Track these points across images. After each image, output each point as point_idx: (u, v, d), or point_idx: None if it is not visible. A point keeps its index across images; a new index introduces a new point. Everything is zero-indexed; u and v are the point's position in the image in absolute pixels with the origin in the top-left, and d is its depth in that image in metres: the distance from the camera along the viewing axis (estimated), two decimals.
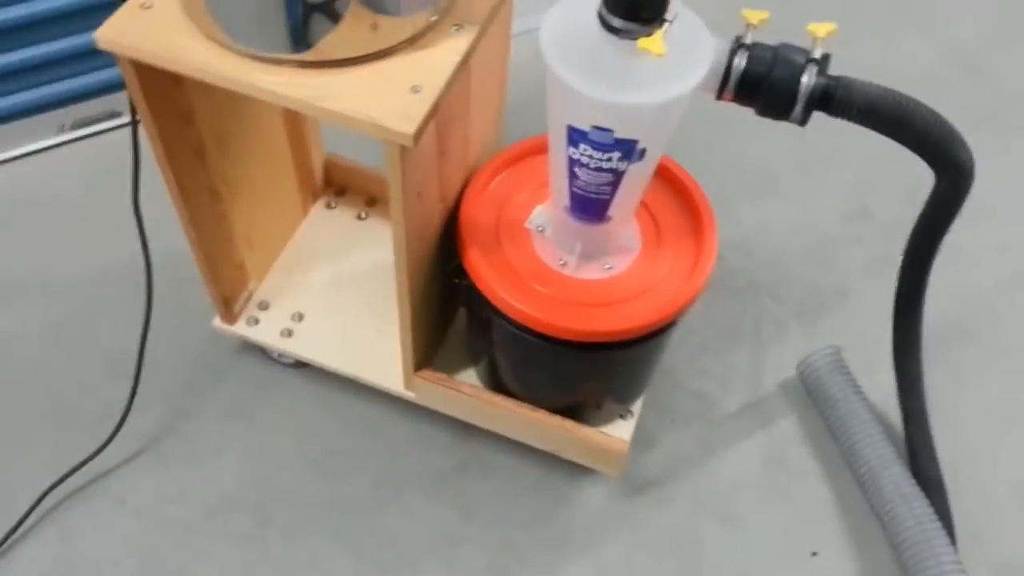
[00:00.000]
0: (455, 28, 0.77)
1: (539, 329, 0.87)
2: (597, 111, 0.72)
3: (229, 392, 1.16)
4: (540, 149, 0.98)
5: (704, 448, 1.13)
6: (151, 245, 0.95)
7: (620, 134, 0.73)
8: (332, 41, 0.72)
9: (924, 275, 0.97)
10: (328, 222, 1.24)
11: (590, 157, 0.76)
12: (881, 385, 1.18)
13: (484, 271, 0.88)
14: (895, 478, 1.04)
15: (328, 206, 1.25)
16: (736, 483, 1.11)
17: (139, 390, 1.05)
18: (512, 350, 0.95)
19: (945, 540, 0.97)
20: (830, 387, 1.13)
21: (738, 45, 0.74)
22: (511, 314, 0.87)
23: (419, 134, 0.70)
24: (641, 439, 1.11)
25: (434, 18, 0.77)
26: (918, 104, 0.75)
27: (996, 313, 1.29)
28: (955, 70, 1.62)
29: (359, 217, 1.24)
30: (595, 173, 0.78)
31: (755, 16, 0.75)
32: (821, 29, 0.74)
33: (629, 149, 0.75)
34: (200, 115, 0.89)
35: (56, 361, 1.18)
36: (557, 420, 0.98)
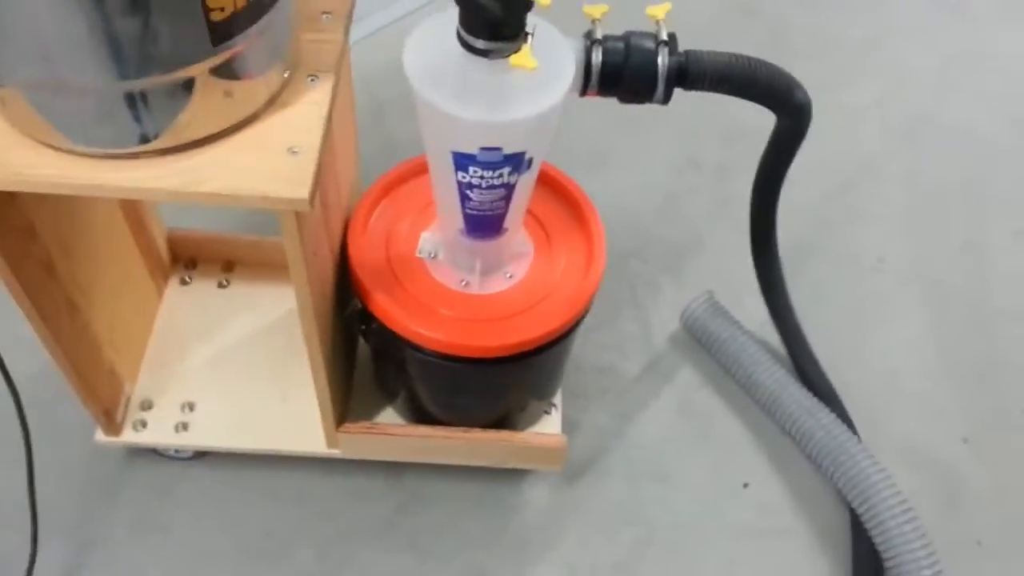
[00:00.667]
0: (310, 79, 0.75)
1: (459, 353, 0.86)
2: (483, 133, 0.72)
3: (131, 505, 1.07)
4: (405, 177, 0.97)
5: (622, 418, 1.18)
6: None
7: (508, 150, 0.74)
8: (188, 119, 0.67)
9: (774, 207, 1.06)
10: (187, 299, 1.16)
11: (481, 177, 0.76)
12: (754, 314, 1.27)
13: (391, 310, 0.86)
14: (794, 396, 1.13)
15: (183, 282, 1.17)
16: (659, 441, 1.17)
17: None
18: (434, 380, 0.95)
19: (853, 439, 1.08)
20: (714, 329, 1.21)
21: (591, 42, 0.76)
22: (428, 345, 0.86)
23: (313, 196, 0.68)
24: (564, 426, 1.13)
25: (287, 74, 0.74)
26: (759, 62, 0.81)
27: (830, 222, 1.42)
28: (732, 12, 1.76)
29: (220, 285, 1.17)
30: (488, 191, 0.78)
31: (596, 11, 0.78)
32: (660, 11, 0.79)
33: (518, 161, 0.76)
34: (41, 226, 0.80)
35: None
36: (493, 435, 0.99)
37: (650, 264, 1.35)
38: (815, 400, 1.12)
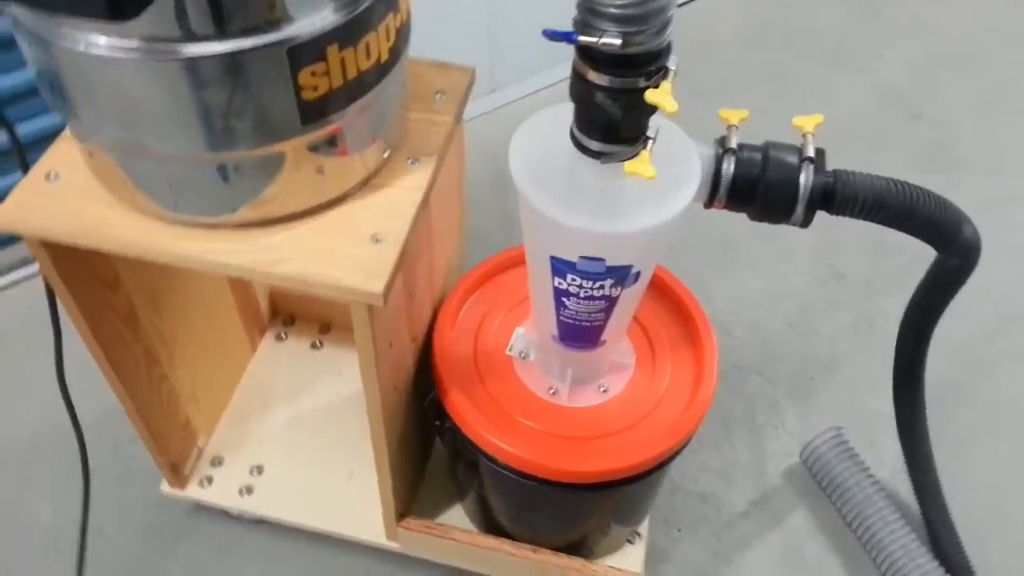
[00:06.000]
0: (411, 162, 0.70)
1: (536, 473, 0.77)
2: (585, 242, 0.64)
3: (188, 559, 1.03)
4: (507, 265, 0.91)
5: (718, 556, 1.05)
6: (85, 402, 0.85)
7: (612, 261, 0.65)
8: (274, 193, 0.63)
9: (924, 347, 0.92)
10: (280, 355, 1.13)
11: (579, 287, 0.68)
12: (887, 459, 1.12)
13: (468, 413, 0.78)
14: (922, 568, 0.97)
15: (278, 338, 1.15)
16: None
17: (87, 570, 0.92)
18: (507, 494, 0.86)
19: None
20: (838, 474, 1.06)
21: (724, 150, 0.67)
22: (503, 458, 0.78)
23: (388, 291, 0.62)
24: (651, 554, 1.02)
25: (387, 153, 0.69)
26: (921, 191, 0.69)
27: (988, 363, 1.25)
28: (895, 114, 1.62)
29: (314, 346, 1.14)
30: (586, 302, 0.70)
31: (734, 116, 0.69)
32: (808, 122, 0.69)
33: (623, 275, 0.67)
34: (127, 279, 0.78)
35: None
36: (564, 560, 0.89)
37: (773, 383, 1.22)
38: None
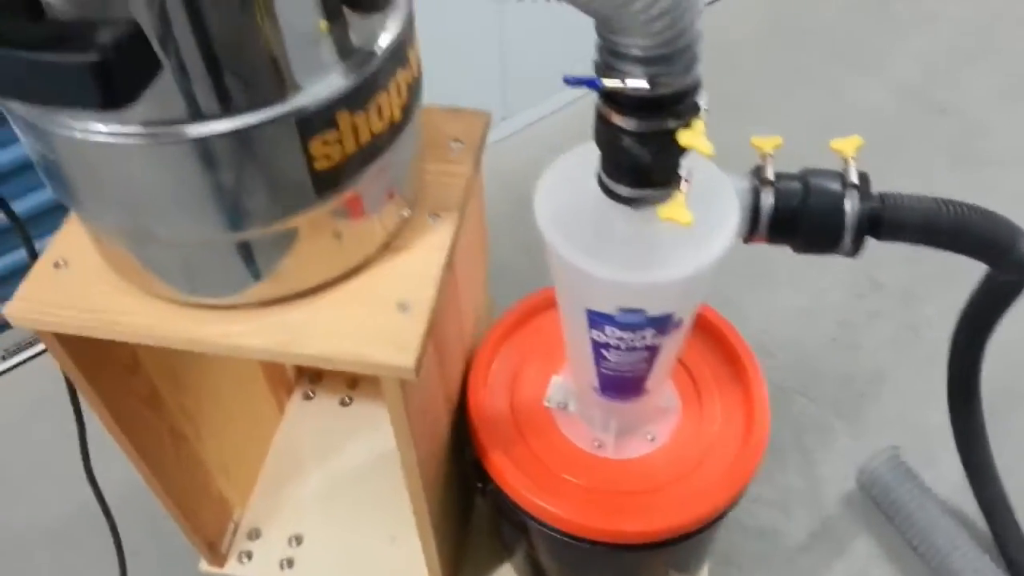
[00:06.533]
0: (432, 218, 0.66)
1: (587, 535, 0.73)
2: (622, 293, 0.60)
3: None
4: (537, 309, 0.87)
5: None
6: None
7: (653, 312, 0.62)
8: (291, 269, 0.60)
9: (978, 361, 0.87)
10: (309, 416, 1.10)
11: (620, 339, 0.64)
12: (947, 475, 1.07)
13: (510, 475, 0.75)
14: None
15: (306, 397, 1.11)
16: None
17: None
18: (557, 555, 0.82)
19: None
20: (899, 497, 1.01)
21: (761, 180, 0.64)
22: (550, 520, 0.74)
23: (420, 362, 0.58)
24: None
25: (406, 212, 0.65)
26: (971, 208, 0.65)
27: None
28: (920, 110, 1.57)
29: (343, 403, 1.10)
30: (628, 353, 0.66)
31: (767, 143, 0.65)
32: (848, 146, 0.65)
33: (665, 323, 0.63)
34: (147, 361, 0.75)
35: None
36: None
37: (819, 404, 1.17)
38: None
